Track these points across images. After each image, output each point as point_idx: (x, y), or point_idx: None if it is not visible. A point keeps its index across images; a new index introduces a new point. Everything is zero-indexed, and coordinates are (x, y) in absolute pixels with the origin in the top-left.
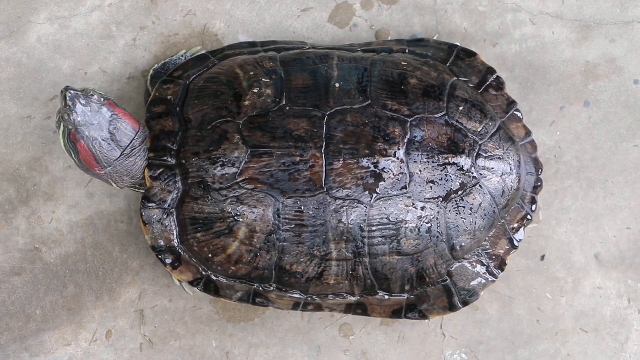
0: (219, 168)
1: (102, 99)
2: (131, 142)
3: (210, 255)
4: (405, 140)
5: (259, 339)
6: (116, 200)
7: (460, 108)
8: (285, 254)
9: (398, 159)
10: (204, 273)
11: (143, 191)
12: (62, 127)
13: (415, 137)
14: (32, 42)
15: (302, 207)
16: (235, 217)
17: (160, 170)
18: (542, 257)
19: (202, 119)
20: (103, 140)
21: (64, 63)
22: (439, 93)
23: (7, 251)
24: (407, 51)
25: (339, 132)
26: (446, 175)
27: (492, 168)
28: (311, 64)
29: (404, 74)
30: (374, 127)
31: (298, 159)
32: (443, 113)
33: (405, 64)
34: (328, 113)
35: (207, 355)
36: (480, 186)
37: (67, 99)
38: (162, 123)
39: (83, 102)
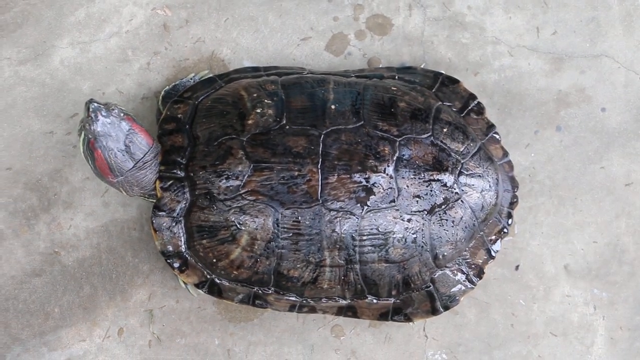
0: (224, 180)
1: (122, 114)
2: (144, 155)
3: (214, 260)
4: (394, 158)
5: (258, 338)
6: (129, 209)
7: (445, 130)
8: (283, 260)
9: (387, 174)
10: (208, 276)
11: (153, 200)
12: (82, 135)
13: (404, 155)
14: (55, 64)
15: (299, 217)
16: (238, 226)
17: (170, 182)
18: (517, 267)
19: (209, 135)
20: (118, 151)
21: (84, 84)
22: (425, 116)
23: (28, 254)
24: (396, 77)
25: (334, 150)
26: (431, 191)
27: (473, 185)
28: (309, 88)
29: (394, 97)
30: (366, 146)
31: (296, 173)
32: (429, 134)
33: (394, 88)
34: (324, 132)
35: (210, 352)
36: (461, 201)
37: (90, 110)
38: (172, 139)
39: (104, 114)
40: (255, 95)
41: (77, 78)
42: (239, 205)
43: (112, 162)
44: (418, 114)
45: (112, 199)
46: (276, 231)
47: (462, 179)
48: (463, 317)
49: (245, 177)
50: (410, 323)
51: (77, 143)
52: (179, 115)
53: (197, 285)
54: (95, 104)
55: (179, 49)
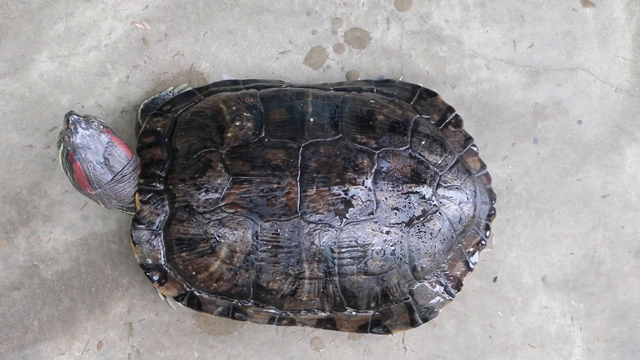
0: (203, 193)
1: (102, 126)
2: (123, 168)
3: (194, 273)
4: (373, 171)
5: (237, 351)
6: (108, 222)
7: (423, 142)
8: (262, 273)
9: (366, 187)
10: (188, 289)
11: (132, 213)
12: (61, 147)
13: (382, 167)
14: (34, 77)
15: (279, 230)
16: (217, 238)
17: (150, 194)
18: (495, 279)
19: (189, 148)
20: (97, 163)
21: (63, 97)
22: (403, 128)
23: (7, 267)
24: (375, 90)
25: (313, 162)
26: (409, 203)
27: (451, 197)
28: (288, 101)
29: (372, 110)
30: (345, 158)
31: (275, 186)
32: (407, 146)
33: (373, 101)
34: (303, 145)
35: None
36: (439, 213)
37: (70, 122)
38: (151, 152)
39: (84, 126)
40: (234, 108)
41: (57, 91)
42: (218, 217)
43: (90, 174)
44: (396, 126)
45: (92, 212)
46: (255, 244)
47: (440, 191)
48: (442, 329)
49: (225, 189)
50: (390, 335)
51: (56, 156)
52: (158, 129)
53: (176, 298)
54: (75, 116)
55: (158, 63)
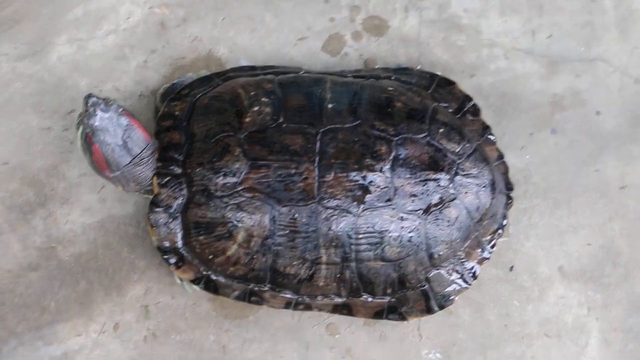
0: (221, 177)
1: (120, 109)
2: (141, 151)
3: (210, 257)
4: (391, 157)
5: (253, 335)
6: (126, 205)
7: (441, 130)
8: (280, 257)
9: (384, 174)
10: (204, 273)
11: (149, 197)
12: (80, 129)
13: (400, 154)
14: (53, 61)
15: (296, 215)
16: (235, 222)
17: (167, 178)
18: (511, 268)
19: (207, 133)
20: (116, 146)
21: (82, 80)
22: (421, 116)
23: (25, 248)
24: (393, 78)
25: (331, 148)
26: (427, 190)
27: (468, 185)
28: (306, 87)
29: (391, 97)
30: (363, 145)
31: (293, 171)
32: (425, 134)
33: (391, 89)
34: (321, 130)
35: (205, 349)
36: (457, 201)
37: (89, 104)
38: (169, 136)
39: (103, 108)
40: (252, 93)
41: (75, 75)
42: (236, 202)
43: (109, 157)
44: (414, 114)
45: (109, 195)
46: (273, 228)
47: (458, 179)
48: (457, 317)
49: (243, 174)
50: (405, 322)
51: (74, 139)
52: (176, 113)
53: (193, 282)
54: (94, 99)
55: (176, 48)
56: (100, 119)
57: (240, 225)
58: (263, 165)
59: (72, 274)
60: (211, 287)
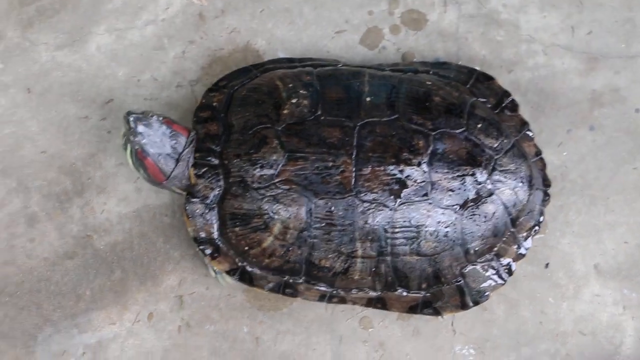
0: (258, 169)
1: (160, 118)
2: (183, 150)
3: (246, 248)
4: (428, 152)
5: (286, 327)
6: (161, 195)
7: (479, 125)
8: (315, 250)
9: (421, 168)
10: (239, 264)
11: (183, 193)
12: (128, 148)
13: (438, 149)
14: (91, 50)
15: (332, 208)
16: (271, 214)
17: (205, 169)
18: (547, 265)
19: (244, 124)
20: (165, 154)
21: (119, 70)
22: (459, 111)
23: (61, 237)
24: (431, 72)
25: (368, 141)
26: (464, 185)
27: (506, 181)
28: (344, 80)
29: (429, 92)
30: (400, 139)
31: (330, 164)
32: (463, 129)
33: (429, 83)
34: (359, 124)
35: (239, 340)
36: (494, 197)
37: (130, 122)
38: (207, 127)
39: (145, 122)
40: (290, 85)
41: (113, 64)
42: (273, 194)
43: (162, 166)
44: (452, 108)
45: (145, 185)
46: (309, 221)
47: (496, 175)
48: (492, 313)
49: (280, 166)
50: (439, 317)
51: (124, 159)
52: (214, 104)
53: (228, 273)
54: (134, 115)
55: (214, 39)
56: (146, 133)
57: (276, 217)
58: (300, 158)
59: (107, 263)
60: (246, 278)
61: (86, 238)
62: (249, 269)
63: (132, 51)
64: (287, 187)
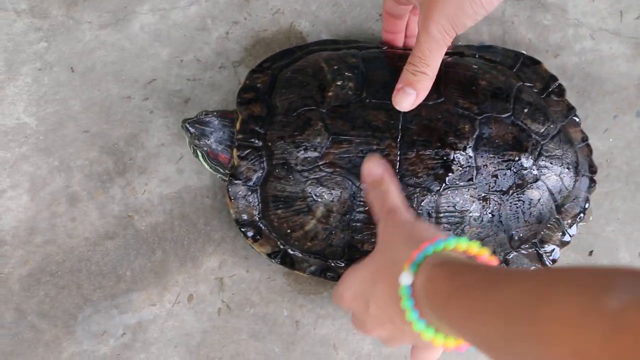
0: (302, 151)
1: (213, 113)
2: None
3: (288, 231)
4: (474, 136)
5: (327, 311)
6: (203, 177)
7: (525, 110)
8: (357, 234)
9: (466, 152)
10: (281, 247)
11: (225, 178)
12: (199, 154)
13: (483, 133)
14: (135, 30)
15: None
16: (314, 197)
17: (248, 150)
18: (590, 252)
19: (288, 106)
20: (231, 144)
21: (163, 50)
22: (506, 95)
23: (102, 217)
24: (476, 56)
25: (414, 125)
26: (509, 171)
27: (552, 167)
28: (390, 62)
29: (475, 76)
30: (446, 122)
31: (375, 147)
32: (509, 113)
33: (475, 67)
34: None
35: (279, 323)
36: (539, 182)
37: (189, 128)
38: (250, 108)
39: (203, 123)
40: (335, 67)
41: (156, 44)
42: (316, 176)
43: (229, 156)
44: (499, 93)
45: (186, 167)
46: (352, 204)
47: (542, 160)
48: None
49: (324, 149)
50: None
51: (200, 165)
52: (258, 85)
53: (269, 255)
54: (190, 120)
55: (258, 20)
56: (207, 133)
57: (319, 200)
58: (345, 141)
59: (148, 243)
60: (287, 261)
61: (127, 218)
62: (290, 252)
63: (176, 31)
64: (330, 170)
